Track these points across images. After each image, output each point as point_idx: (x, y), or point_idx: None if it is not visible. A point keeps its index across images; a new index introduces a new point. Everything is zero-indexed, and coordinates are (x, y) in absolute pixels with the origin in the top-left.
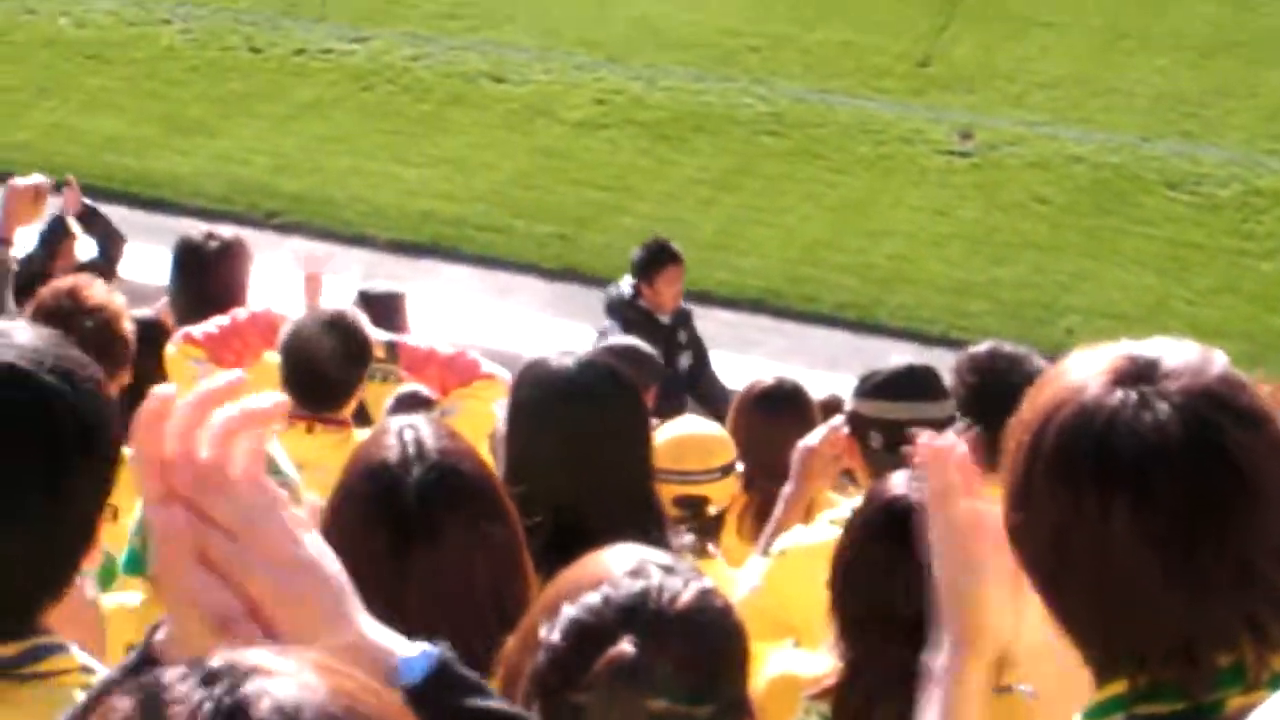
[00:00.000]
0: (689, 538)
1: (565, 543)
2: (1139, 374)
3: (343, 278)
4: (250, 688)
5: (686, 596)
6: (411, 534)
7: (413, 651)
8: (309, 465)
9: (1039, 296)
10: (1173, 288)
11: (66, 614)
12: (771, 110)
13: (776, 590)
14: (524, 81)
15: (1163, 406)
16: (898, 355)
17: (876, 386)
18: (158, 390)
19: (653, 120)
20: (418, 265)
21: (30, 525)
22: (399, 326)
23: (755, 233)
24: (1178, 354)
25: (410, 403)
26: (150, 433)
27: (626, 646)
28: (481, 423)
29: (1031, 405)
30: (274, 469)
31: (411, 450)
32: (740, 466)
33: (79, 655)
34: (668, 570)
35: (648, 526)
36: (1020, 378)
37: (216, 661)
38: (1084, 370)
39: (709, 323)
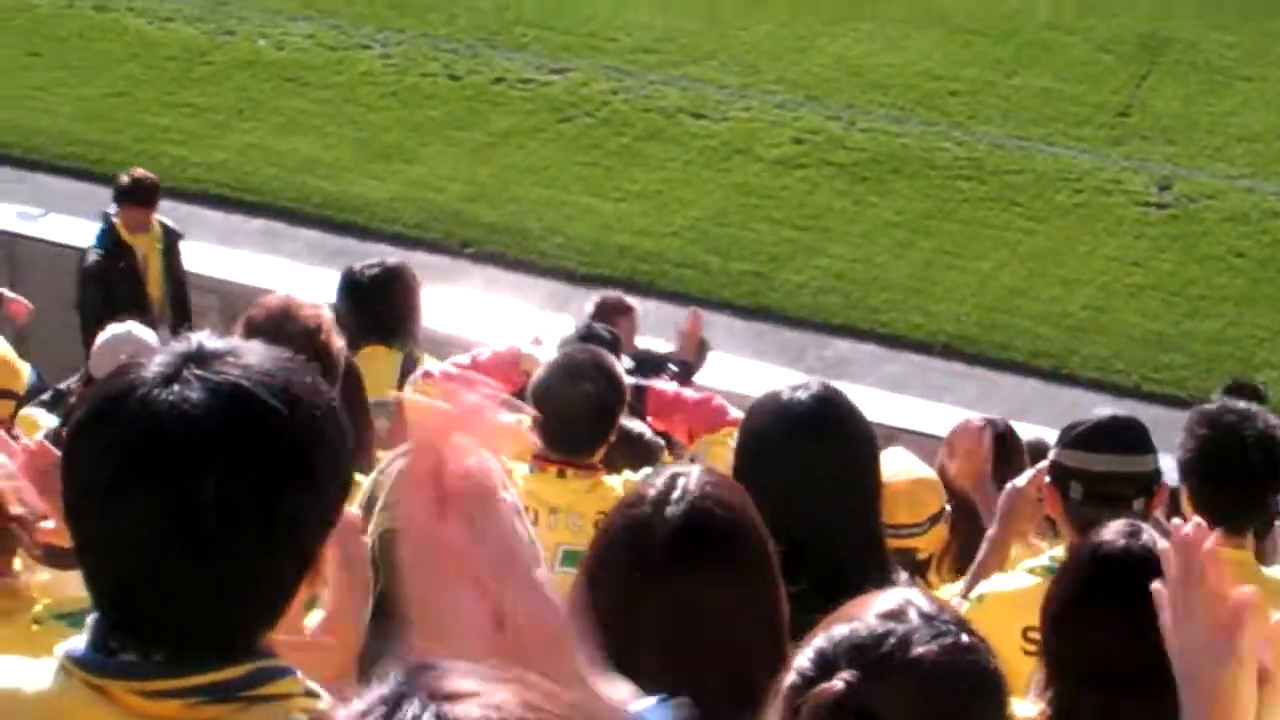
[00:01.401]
0: (904, 575)
1: (790, 578)
2: None
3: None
4: (447, 710)
5: (929, 645)
6: (652, 574)
7: (647, 704)
8: (561, 509)
9: (1234, 351)
10: None
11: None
12: (969, 155)
13: None
14: (722, 118)
15: None
16: (1100, 407)
17: (1079, 437)
18: (440, 406)
19: (851, 161)
20: None
21: (246, 548)
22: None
23: (949, 277)
24: None
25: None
26: (431, 450)
27: (838, 682)
28: (728, 469)
29: None
30: None
31: (674, 491)
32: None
33: (303, 679)
34: (927, 618)
35: (873, 562)
36: (1252, 431)
37: (411, 684)
38: None
39: (900, 365)
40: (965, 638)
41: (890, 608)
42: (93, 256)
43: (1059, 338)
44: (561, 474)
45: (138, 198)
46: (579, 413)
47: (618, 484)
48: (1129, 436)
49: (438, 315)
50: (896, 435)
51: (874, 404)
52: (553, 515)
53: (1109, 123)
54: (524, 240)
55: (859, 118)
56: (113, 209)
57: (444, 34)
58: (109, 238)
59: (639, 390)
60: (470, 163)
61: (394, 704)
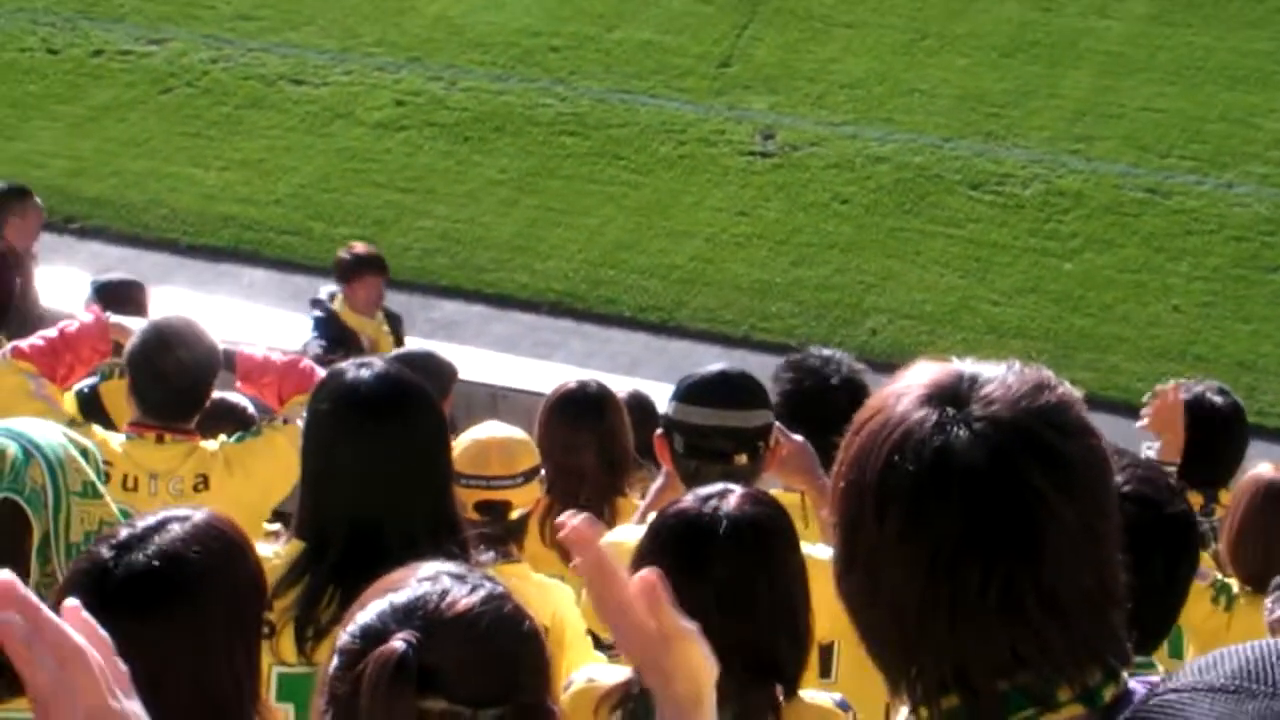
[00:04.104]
0: (489, 554)
1: (361, 560)
2: (953, 395)
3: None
4: None
5: (469, 599)
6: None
7: None
8: (161, 474)
9: (842, 297)
10: (976, 288)
11: None
12: (572, 110)
13: None
14: (323, 83)
15: (961, 433)
16: (714, 361)
17: (683, 390)
18: None
19: (453, 121)
20: (218, 269)
21: None
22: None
23: (555, 234)
24: (1005, 380)
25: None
26: None
27: (395, 643)
28: None
29: (864, 406)
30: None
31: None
32: (543, 471)
33: None
34: (458, 578)
35: (445, 541)
36: (837, 377)
37: None
38: (908, 381)
39: (508, 325)
40: (498, 588)
41: (424, 574)
42: (314, 349)
43: (667, 290)
44: (160, 439)
45: (373, 266)
46: (174, 379)
47: (214, 446)
48: (731, 391)
49: (46, 293)
50: (505, 395)
51: (483, 364)
52: (153, 480)
53: (711, 73)
54: (128, 213)
55: (460, 77)
56: (325, 292)
57: (41, 7)
58: (332, 325)
59: (227, 355)
60: (72, 137)
61: None
